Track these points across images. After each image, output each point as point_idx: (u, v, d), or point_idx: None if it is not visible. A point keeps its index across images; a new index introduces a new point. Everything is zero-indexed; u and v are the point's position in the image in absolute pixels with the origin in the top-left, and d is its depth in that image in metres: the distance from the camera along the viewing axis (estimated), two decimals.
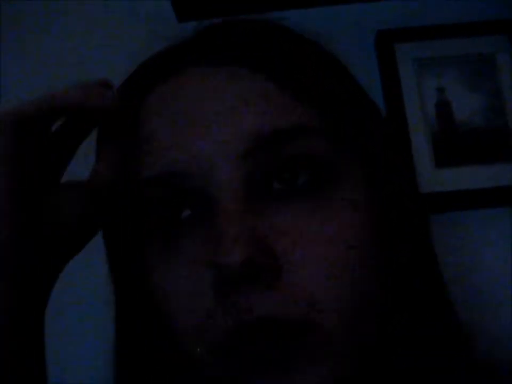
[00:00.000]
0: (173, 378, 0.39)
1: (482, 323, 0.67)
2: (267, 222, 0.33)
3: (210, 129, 0.34)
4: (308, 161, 0.34)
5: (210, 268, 0.32)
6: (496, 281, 0.75)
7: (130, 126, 0.37)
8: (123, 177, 0.36)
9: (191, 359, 0.35)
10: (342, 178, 0.35)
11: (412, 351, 0.36)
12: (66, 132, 0.38)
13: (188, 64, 0.37)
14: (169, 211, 0.36)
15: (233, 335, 0.32)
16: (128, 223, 0.38)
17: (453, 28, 0.84)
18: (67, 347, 0.69)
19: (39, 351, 0.35)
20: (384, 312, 0.36)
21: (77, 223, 0.36)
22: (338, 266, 0.33)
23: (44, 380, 0.35)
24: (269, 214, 0.33)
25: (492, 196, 0.78)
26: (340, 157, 0.36)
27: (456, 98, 0.82)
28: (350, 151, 0.37)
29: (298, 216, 0.34)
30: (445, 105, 0.82)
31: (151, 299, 0.37)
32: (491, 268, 0.76)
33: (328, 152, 0.35)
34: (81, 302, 0.73)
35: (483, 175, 0.78)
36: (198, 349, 0.34)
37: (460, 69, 0.83)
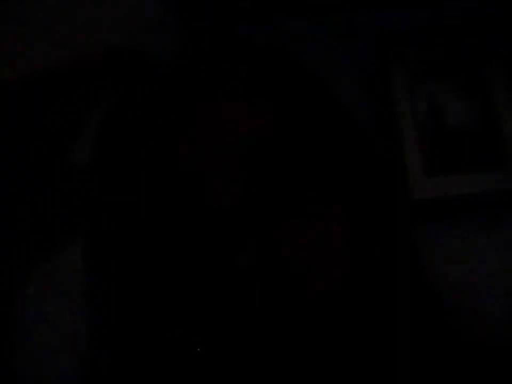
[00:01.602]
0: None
1: (478, 328, 0.67)
2: (273, 230, 0.34)
3: (214, 140, 0.35)
4: (303, 179, 0.36)
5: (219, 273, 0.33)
6: (487, 288, 0.75)
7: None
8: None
9: None
10: (335, 192, 0.37)
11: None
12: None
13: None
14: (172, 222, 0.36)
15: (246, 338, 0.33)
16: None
17: (444, 35, 0.85)
18: None
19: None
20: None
21: None
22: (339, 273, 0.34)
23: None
24: (272, 221, 0.35)
25: (484, 202, 0.78)
26: (331, 173, 0.37)
27: (448, 104, 0.82)
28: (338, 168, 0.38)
29: (299, 228, 0.35)
30: (436, 112, 0.82)
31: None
32: (483, 274, 0.76)
33: (318, 168, 0.37)
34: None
35: (475, 181, 0.79)
36: (198, 349, 0.34)
37: (451, 76, 0.83)
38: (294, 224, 0.35)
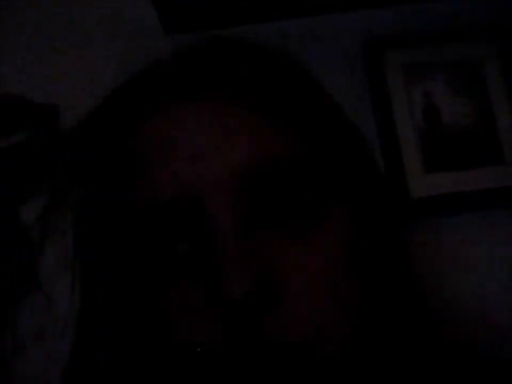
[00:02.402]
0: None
1: (476, 324, 0.67)
2: (263, 252, 0.33)
3: (201, 164, 0.34)
4: (298, 190, 0.35)
5: (212, 305, 0.33)
6: (486, 283, 0.75)
7: (119, 152, 0.37)
8: (112, 207, 0.36)
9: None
10: (330, 205, 0.36)
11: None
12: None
13: (173, 99, 0.37)
14: (161, 244, 0.35)
15: (234, 362, 0.33)
16: (113, 251, 0.38)
17: (440, 34, 0.85)
18: None
19: None
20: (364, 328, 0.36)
21: None
22: (333, 290, 0.34)
23: None
24: (263, 244, 0.34)
25: (481, 198, 0.79)
26: (326, 183, 0.37)
27: (444, 103, 0.83)
28: (333, 177, 0.37)
29: (292, 245, 0.34)
30: (433, 110, 0.83)
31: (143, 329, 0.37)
32: (482, 270, 0.76)
33: (315, 179, 0.36)
34: None
35: (472, 178, 0.79)
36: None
37: (447, 74, 0.84)
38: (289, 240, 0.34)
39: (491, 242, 0.77)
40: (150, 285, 0.35)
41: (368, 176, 0.42)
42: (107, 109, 0.39)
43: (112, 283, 0.38)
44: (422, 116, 0.82)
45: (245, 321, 0.32)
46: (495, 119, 0.82)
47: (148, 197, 0.35)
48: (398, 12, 0.86)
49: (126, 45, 0.80)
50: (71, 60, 0.83)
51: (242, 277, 0.31)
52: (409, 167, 0.80)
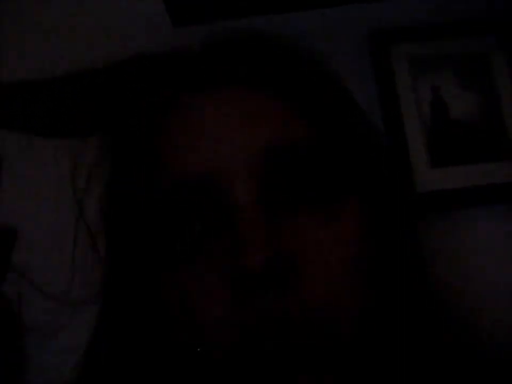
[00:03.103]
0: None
1: (483, 319, 0.67)
2: (281, 231, 0.35)
3: (224, 147, 0.36)
4: (313, 174, 0.37)
5: (230, 272, 0.34)
6: (494, 278, 0.75)
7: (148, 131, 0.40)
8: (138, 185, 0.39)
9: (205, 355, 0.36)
10: (346, 187, 0.38)
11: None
12: None
13: (200, 87, 0.39)
14: (182, 221, 0.37)
15: (249, 336, 0.34)
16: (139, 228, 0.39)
17: (448, 27, 0.85)
18: None
19: None
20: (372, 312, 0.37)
21: None
22: (350, 269, 0.35)
23: None
24: (282, 224, 0.35)
25: (488, 193, 0.79)
26: (340, 170, 0.38)
27: (451, 97, 0.83)
28: (347, 164, 0.39)
29: (312, 223, 0.36)
30: (440, 104, 0.82)
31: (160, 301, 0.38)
32: (488, 265, 0.76)
33: (330, 165, 0.38)
34: None
35: (479, 173, 0.79)
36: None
37: (455, 68, 0.83)
38: (307, 220, 0.36)
39: (498, 237, 0.77)
40: (169, 260, 0.37)
41: (379, 166, 0.43)
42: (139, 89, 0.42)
43: (134, 257, 0.40)
44: (430, 110, 0.82)
45: (262, 294, 0.33)
46: (503, 113, 0.81)
47: (174, 177, 0.37)
48: (405, 5, 0.86)
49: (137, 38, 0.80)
50: None
51: (262, 248, 0.33)
52: (416, 161, 0.80)
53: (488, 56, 0.83)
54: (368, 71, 0.84)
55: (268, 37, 0.43)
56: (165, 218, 0.37)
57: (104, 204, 0.43)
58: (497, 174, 0.79)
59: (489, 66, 0.83)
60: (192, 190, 0.37)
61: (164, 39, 0.75)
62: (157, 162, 0.38)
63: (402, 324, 0.39)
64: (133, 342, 0.41)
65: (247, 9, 0.80)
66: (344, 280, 0.35)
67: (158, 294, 0.38)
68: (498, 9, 0.84)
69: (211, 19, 0.78)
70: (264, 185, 0.36)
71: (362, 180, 0.39)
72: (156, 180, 0.38)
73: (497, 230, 0.78)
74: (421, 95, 0.82)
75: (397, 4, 0.86)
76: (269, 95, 0.38)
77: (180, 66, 0.42)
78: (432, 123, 0.82)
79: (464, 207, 0.79)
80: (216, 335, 0.34)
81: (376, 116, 0.81)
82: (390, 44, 0.83)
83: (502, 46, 0.84)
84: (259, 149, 0.36)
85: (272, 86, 0.39)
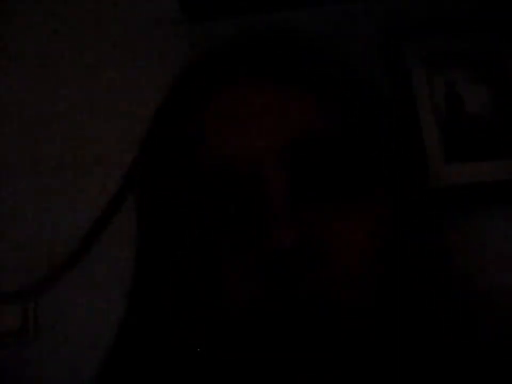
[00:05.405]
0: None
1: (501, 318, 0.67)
2: (309, 216, 0.37)
3: (258, 137, 0.39)
4: (341, 165, 0.39)
5: (261, 254, 0.36)
6: (504, 274, 0.75)
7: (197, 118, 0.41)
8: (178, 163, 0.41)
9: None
10: (371, 185, 0.39)
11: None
12: None
13: (241, 76, 0.42)
14: (217, 202, 0.39)
15: (280, 316, 0.35)
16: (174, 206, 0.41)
17: (462, 23, 0.85)
18: None
19: None
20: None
21: None
22: (369, 263, 0.37)
23: None
24: (311, 210, 0.37)
25: (502, 190, 0.78)
26: (366, 161, 0.40)
27: (466, 92, 0.82)
28: (373, 155, 0.41)
29: (337, 213, 0.38)
30: (455, 99, 0.82)
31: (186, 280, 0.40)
32: (501, 259, 0.76)
33: (356, 157, 0.39)
34: None
35: (494, 168, 0.78)
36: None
37: (470, 63, 0.83)
38: (336, 212, 0.38)
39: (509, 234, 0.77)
40: (202, 240, 0.39)
41: (399, 160, 0.44)
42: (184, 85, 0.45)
43: (168, 238, 0.42)
44: (444, 104, 0.82)
45: (288, 274, 0.35)
46: None
47: (211, 162, 0.39)
48: (420, 0, 0.86)
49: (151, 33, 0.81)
50: None
51: (291, 227, 0.35)
52: (431, 156, 0.80)
53: (503, 52, 0.83)
54: (382, 67, 0.83)
55: (294, 32, 0.45)
56: (202, 199, 0.39)
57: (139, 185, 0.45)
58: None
59: (505, 62, 0.83)
60: (228, 175, 0.38)
61: (179, 36, 0.76)
62: (196, 148, 0.40)
63: (420, 314, 0.40)
64: (162, 319, 0.42)
65: (261, 6, 0.80)
66: (365, 271, 0.36)
67: (191, 272, 0.39)
68: None
69: (225, 16, 0.78)
70: (293, 175, 0.37)
71: (386, 173, 0.41)
72: (196, 164, 0.40)
73: (509, 227, 0.77)
74: (436, 90, 0.82)
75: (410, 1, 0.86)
76: (302, 89, 0.40)
77: (215, 59, 0.44)
78: (447, 118, 0.81)
79: (478, 202, 0.79)
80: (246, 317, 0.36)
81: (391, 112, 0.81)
82: (405, 40, 0.83)
83: None
84: (288, 139, 0.38)
85: (301, 80, 0.40)
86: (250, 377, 0.37)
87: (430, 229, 0.45)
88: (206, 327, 0.38)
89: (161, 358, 0.42)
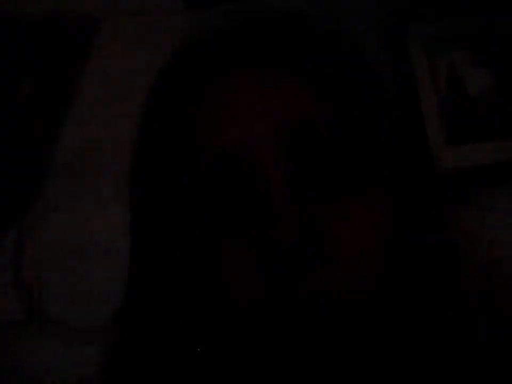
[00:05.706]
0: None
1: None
2: (312, 212, 0.36)
3: (253, 122, 0.38)
4: (337, 157, 0.38)
5: (263, 248, 0.35)
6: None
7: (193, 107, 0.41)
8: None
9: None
10: (370, 181, 0.39)
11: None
12: None
13: (233, 64, 0.41)
14: (221, 194, 0.38)
15: (280, 315, 0.35)
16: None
17: (464, 5, 0.83)
18: None
19: None
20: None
21: None
22: (373, 255, 0.37)
23: None
24: (313, 206, 0.36)
25: (506, 171, 0.78)
26: (366, 148, 0.39)
27: (468, 74, 0.82)
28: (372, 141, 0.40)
29: (339, 209, 0.37)
30: (456, 80, 0.82)
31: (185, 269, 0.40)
32: (504, 242, 0.76)
33: (358, 150, 0.39)
34: None
35: (496, 150, 0.78)
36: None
37: (472, 46, 0.82)
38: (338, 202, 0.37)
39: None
40: (204, 231, 0.39)
41: (401, 148, 0.44)
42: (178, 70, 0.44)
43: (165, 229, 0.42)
44: (446, 86, 0.81)
45: (288, 274, 0.34)
46: None
47: (208, 155, 0.39)
48: None
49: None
50: None
51: (294, 220, 0.34)
52: (432, 139, 0.79)
53: (506, 34, 0.82)
54: (383, 49, 0.83)
55: (293, 16, 0.44)
56: (201, 196, 0.38)
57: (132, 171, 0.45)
58: None
59: (508, 44, 0.82)
60: (229, 164, 0.38)
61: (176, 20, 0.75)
62: (195, 137, 0.40)
63: (420, 314, 0.39)
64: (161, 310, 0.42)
65: None
66: (365, 269, 0.36)
67: (191, 264, 0.39)
68: None
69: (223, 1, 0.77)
70: (292, 167, 0.37)
71: (387, 167, 0.40)
72: (196, 153, 0.39)
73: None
74: (438, 73, 0.81)
75: None
76: (299, 78, 0.39)
77: (207, 48, 0.43)
78: (449, 100, 0.81)
79: (481, 184, 0.78)
80: (244, 298, 0.36)
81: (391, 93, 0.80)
82: (407, 22, 0.83)
83: None
84: (283, 125, 0.37)
85: (299, 66, 0.39)
86: (251, 377, 0.37)
87: (432, 227, 0.44)
88: (206, 327, 0.38)
89: (161, 358, 0.42)
